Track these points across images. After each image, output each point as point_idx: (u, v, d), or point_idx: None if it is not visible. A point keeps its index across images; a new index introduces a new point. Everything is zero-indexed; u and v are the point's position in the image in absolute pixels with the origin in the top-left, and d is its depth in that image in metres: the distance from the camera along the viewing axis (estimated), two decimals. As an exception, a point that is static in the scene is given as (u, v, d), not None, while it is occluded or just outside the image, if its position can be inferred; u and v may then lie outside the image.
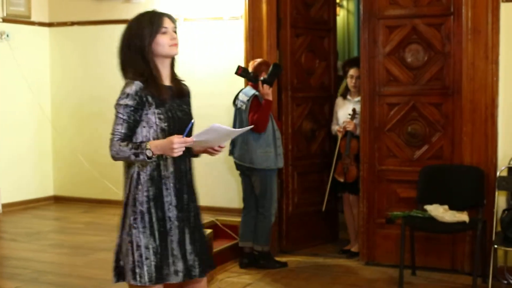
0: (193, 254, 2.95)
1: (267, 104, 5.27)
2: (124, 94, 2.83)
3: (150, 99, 2.84)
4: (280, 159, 5.40)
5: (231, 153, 5.47)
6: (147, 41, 2.86)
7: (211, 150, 2.96)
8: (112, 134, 2.83)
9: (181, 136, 2.72)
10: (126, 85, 2.85)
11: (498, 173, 4.96)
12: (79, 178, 6.74)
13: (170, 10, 6.10)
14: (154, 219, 2.86)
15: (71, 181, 6.83)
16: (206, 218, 5.70)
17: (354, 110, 5.68)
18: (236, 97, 5.46)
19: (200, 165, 5.99)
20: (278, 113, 5.84)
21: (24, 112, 6.68)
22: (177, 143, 2.70)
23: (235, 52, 5.88)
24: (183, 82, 3.05)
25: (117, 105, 2.84)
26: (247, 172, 5.43)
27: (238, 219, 5.76)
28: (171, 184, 2.91)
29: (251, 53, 5.78)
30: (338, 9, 8.90)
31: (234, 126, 5.35)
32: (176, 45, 2.93)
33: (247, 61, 5.77)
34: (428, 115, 5.33)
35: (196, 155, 3.07)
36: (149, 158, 2.75)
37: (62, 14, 6.83)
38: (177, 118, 2.90)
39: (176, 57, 3.00)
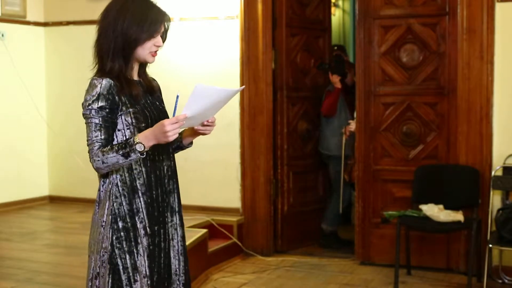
0: (178, 276, 2.62)
1: (335, 91, 6.02)
2: (93, 96, 2.42)
3: (123, 97, 2.44)
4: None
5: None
6: (138, 44, 2.46)
7: (202, 128, 2.53)
8: (91, 144, 2.43)
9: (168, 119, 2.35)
10: (93, 85, 2.44)
11: (493, 173, 4.97)
12: (75, 178, 6.73)
13: (165, 10, 6.13)
14: (141, 235, 2.49)
15: (66, 181, 6.82)
16: (201, 218, 5.71)
17: None
18: None
19: (195, 165, 6.06)
20: (274, 113, 5.85)
21: (20, 111, 6.66)
22: (169, 125, 2.31)
23: (231, 51, 5.87)
24: (151, 78, 2.68)
25: (88, 109, 2.42)
26: (326, 160, 6.12)
27: (234, 218, 5.78)
28: (154, 193, 2.52)
29: (246, 53, 5.79)
30: (333, 8, 8.91)
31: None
32: (155, 54, 2.53)
33: (243, 61, 5.78)
34: (423, 115, 5.34)
35: (188, 145, 2.70)
36: (141, 154, 2.36)
37: (57, 13, 6.82)
38: (154, 116, 2.50)
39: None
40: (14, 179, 6.64)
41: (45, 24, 6.90)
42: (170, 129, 2.32)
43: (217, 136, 5.78)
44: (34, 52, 6.84)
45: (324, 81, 6.35)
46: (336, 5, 9.63)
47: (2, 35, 6.43)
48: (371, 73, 5.47)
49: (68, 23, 6.73)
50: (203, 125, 2.52)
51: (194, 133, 2.61)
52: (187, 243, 4.72)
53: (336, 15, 9.67)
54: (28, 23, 6.74)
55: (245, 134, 5.83)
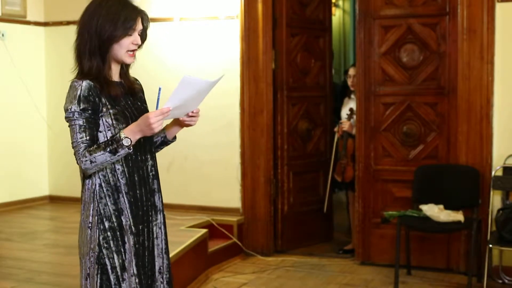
0: (163, 273, 2.64)
1: None
2: (75, 98, 2.43)
3: (103, 99, 2.46)
4: None
5: None
6: (113, 41, 2.47)
7: (188, 119, 2.58)
8: (76, 146, 2.42)
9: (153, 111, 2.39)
10: (73, 88, 2.46)
11: (493, 173, 4.97)
12: (74, 178, 6.66)
13: (165, 10, 6.15)
14: (127, 234, 2.50)
15: (66, 181, 6.81)
16: (201, 217, 5.71)
17: (351, 109, 5.69)
18: None
19: (195, 164, 6.06)
20: (274, 113, 5.85)
21: (20, 111, 6.66)
22: (154, 117, 2.36)
23: (231, 51, 5.87)
24: (134, 79, 2.68)
25: (71, 112, 2.43)
26: None
27: (234, 218, 5.78)
28: (138, 192, 2.53)
29: (246, 53, 5.78)
30: (333, 9, 8.91)
31: None
32: (133, 54, 2.53)
33: (243, 61, 5.78)
34: (423, 115, 5.33)
35: (172, 139, 2.73)
36: (129, 148, 2.39)
37: (57, 13, 6.82)
38: (134, 117, 2.50)
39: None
40: (14, 179, 6.64)
41: (45, 24, 6.89)
42: (155, 121, 2.37)
43: (217, 136, 5.81)
44: (34, 52, 6.84)
45: (324, 81, 6.35)
46: (336, 5, 9.64)
47: (2, 35, 6.43)
48: (371, 73, 5.47)
49: (68, 23, 6.73)
50: (188, 116, 2.58)
51: (179, 125, 2.67)
52: (188, 243, 4.77)
53: (336, 15, 9.68)
54: (28, 23, 6.74)
55: (245, 134, 5.83)
